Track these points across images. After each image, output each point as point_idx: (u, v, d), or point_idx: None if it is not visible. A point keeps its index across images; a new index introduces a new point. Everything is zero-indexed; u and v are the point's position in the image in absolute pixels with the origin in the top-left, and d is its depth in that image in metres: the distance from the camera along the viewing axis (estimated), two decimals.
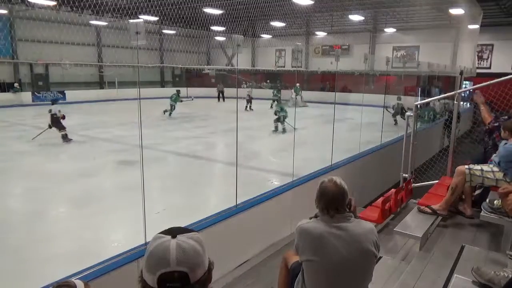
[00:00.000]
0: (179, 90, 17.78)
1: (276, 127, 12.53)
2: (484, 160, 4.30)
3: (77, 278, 1.33)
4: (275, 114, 12.80)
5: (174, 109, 16.67)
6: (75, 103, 21.49)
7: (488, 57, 22.48)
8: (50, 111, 10.76)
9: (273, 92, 21.05)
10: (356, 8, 20.75)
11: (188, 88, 29.11)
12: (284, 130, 12.43)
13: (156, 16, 18.78)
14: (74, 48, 20.11)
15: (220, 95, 25.23)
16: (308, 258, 1.88)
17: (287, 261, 2.31)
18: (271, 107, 18.46)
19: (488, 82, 4.99)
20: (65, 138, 10.62)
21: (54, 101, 11.44)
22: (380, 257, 3.57)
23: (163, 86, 30.21)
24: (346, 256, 1.87)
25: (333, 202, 1.95)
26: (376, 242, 1.98)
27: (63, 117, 10.70)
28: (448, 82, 19.93)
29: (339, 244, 1.88)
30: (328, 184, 2.00)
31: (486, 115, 4.51)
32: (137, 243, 3.25)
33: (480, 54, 22.18)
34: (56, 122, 10.57)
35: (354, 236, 1.92)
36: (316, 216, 2.17)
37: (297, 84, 21.80)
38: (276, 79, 26.55)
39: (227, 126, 12.84)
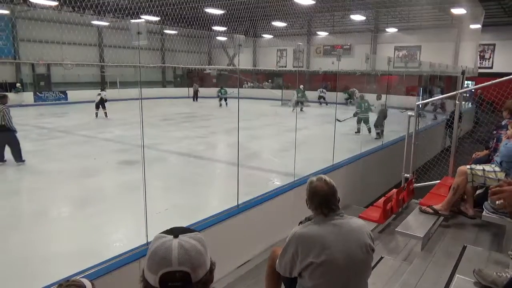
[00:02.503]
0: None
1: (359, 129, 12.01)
2: (487, 160, 4.29)
3: (81, 277, 1.33)
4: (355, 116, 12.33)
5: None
6: (77, 103, 21.56)
7: (490, 57, 22.45)
8: (99, 94, 15.62)
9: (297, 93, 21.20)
10: (357, 8, 20.74)
11: (189, 88, 29.25)
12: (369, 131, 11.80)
13: (157, 16, 18.81)
14: (76, 48, 20.21)
15: (195, 94, 26.04)
16: (312, 261, 1.86)
17: (274, 258, 2.26)
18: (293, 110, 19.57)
19: (490, 82, 4.98)
20: (106, 115, 15.53)
21: (103, 89, 16.65)
22: (382, 257, 3.57)
23: (164, 86, 30.26)
24: (348, 252, 1.88)
25: (326, 201, 1.96)
26: (370, 234, 2.01)
27: (106, 100, 15.60)
28: (449, 82, 19.90)
29: (339, 241, 1.88)
30: (318, 183, 2.01)
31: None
32: (138, 243, 3.26)
33: (482, 54, 22.16)
34: (102, 103, 15.45)
35: (351, 231, 1.93)
36: (307, 220, 2.17)
37: (301, 86, 21.88)
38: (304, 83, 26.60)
39: (228, 126, 12.87)
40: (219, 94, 22.31)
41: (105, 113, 15.66)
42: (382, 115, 11.39)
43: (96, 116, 15.64)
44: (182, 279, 0.97)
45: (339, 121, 10.31)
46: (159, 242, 1.01)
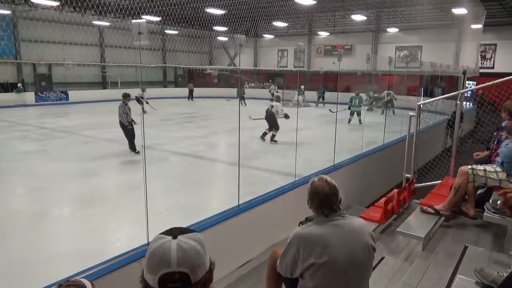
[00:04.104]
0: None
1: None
2: (487, 161, 4.27)
3: (81, 277, 1.33)
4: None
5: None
6: (78, 103, 21.59)
7: (491, 57, 22.40)
8: (138, 94, 16.24)
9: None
10: (358, 8, 20.72)
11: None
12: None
13: (158, 16, 18.81)
14: (77, 48, 20.18)
15: (190, 94, 26.16)
16: (313, 262, 1.86)
17: (275, 259, 2.25)
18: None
19: (492, 82, 4.97)
20: (144, 110, 15.62)
21: (143, 89, 17.78)
22: (383, 257, 3.56)
23: (165, 86, 30.27)
24: (350, 252, 1.87)
25: (327, 201, 1.95)
26: (372, 234, 2.01)
27: (143, 98, 16.41)
28: (451, 82, 19.88)
29: (341, 241, 1.88)
30: (320, 183, 2.00)
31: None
32: (139, 243, 3.26)
33: (483, 54, 22.12)
34: (140, 101, 16.03)
35: (352, 231, 1.93)
36: (308, 220, 2.16)
37: (302, 86, 21.94)
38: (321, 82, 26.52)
39: (229, 126, 12.89)
40: (240, 94, 22.57)
41: (142, 108, 16.62)
42: (271, 118, 10.74)
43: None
44: (181, 280, 0.97)
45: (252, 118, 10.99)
46: (158, 243, 1.01)
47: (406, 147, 5.56)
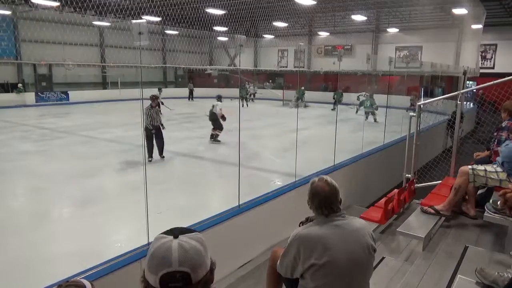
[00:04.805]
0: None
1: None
2: (487, 161, 4.27)
3: (82, 278, 1.33)
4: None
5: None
6: (78, 104, 21.60)
7: (492, 57, 22.40)
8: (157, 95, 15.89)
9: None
10: (358, 8, 20.73)
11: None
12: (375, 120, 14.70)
13: (158, 16, 18.82)
14: (77, 49, 20.21)
15: (190, 94, 26.29)
16: (314, 263, 1.86)
17: (275, 259, 2.25)
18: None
19: (492, 82, 4.97)
20: (160, 112, 15.83)
21: (160, 89, 17.94)
22: (383, 258, 3.56)
23: (166, 87, 30.27)
24: (350, 253, 1.87)
25: (327, 201, 1.95)
26: (372, 235, 2.01)
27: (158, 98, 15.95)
28: (451, 82, 19.88)
29: (341, 242, 1.88)
30: (320, 183, 2.00)
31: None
32: (140, 243, 3.26)
33: (483, 54, 22.12)
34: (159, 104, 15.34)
35: (353, 232, 1.93)
36: (308, 221, 2.16)
37: (302, 88, 21.91)
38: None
39: (229, 126, 12.88)
40: (243, 95, 21.52)
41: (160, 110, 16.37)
42: (213, 118, 10.79)
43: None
44: (182, 280, 0.97)
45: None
46: (159, 242, 1.01)
47: (407, 147, 5.56)
